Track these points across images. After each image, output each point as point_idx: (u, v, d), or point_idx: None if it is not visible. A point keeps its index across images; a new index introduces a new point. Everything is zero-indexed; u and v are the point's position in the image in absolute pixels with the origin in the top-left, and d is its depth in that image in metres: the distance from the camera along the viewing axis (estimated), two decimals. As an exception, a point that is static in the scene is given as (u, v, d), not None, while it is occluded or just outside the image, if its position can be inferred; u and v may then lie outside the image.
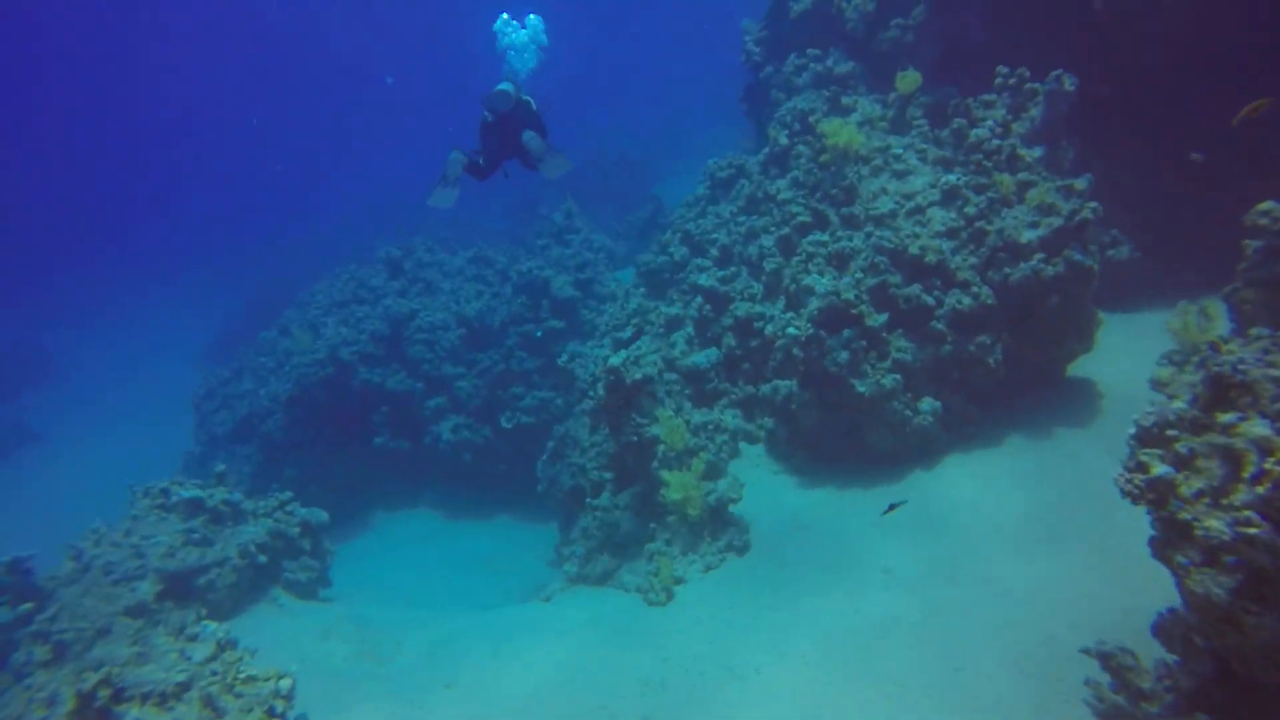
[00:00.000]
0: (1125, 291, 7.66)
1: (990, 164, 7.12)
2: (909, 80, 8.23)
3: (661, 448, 7.11)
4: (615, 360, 7.19)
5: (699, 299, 8.54)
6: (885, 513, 5.67)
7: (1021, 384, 6.85)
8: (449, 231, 22.19)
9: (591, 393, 7.66)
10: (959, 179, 7.14)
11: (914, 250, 7.03)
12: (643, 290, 9.87)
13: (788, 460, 7.67)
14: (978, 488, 6.12)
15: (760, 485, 7.22)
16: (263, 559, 7.38)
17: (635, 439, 7.30)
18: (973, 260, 6.80)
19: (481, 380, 12.96)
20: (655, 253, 10.84)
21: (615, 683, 5.09)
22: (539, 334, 12.57)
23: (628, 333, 9.12)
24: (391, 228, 21.57)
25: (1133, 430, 2.97)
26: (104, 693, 3.76)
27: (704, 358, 8.25)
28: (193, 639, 5.14)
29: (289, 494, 8.48)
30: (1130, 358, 6.65)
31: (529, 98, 7.66)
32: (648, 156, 28.14)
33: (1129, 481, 2.87)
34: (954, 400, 6.85)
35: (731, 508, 6.68)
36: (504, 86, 7.44)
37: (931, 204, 7.33)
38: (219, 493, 7.59)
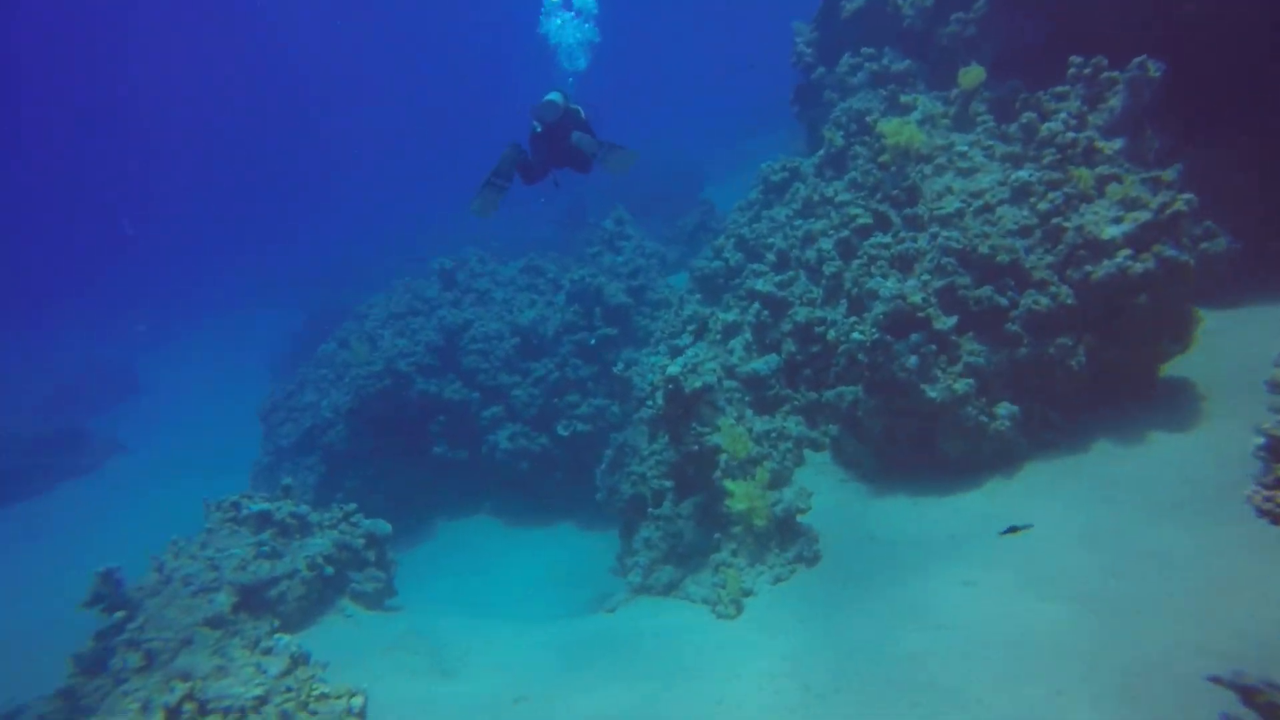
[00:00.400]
0: (1225, 286, 7.21)
1: (1064, 158, 6.81)
2: (973, 75, 7.95)
3: (724, 457, 6.98)
4: (674, 369, 7.10)
5: (756, 305, 8.39)
6: (1004, 534, 5.41)
7: (1109, 387, 6.51)
8: (499, 241, 22.43)
9: (650, 401, 7.58)
10: (1031, 175, 6.85)
11: (984, 250, 6.76)
12: (698, 296, 9.76)
13: (855, 468, 7.46)
14: (1063, 497, 5.83)
15: (827, 494, 7.04)
16: (330, 570, 7.48)
17: (696, 448, 7.19)
18: (1049, 259, 6.50)
19: (537, 389, 13.02)
20: (709, 258, 10.73)
21: (688, 703, 4.97)
22: (593, 341, 12.57)
23: (685, 339, 9.02)
24: (444, 240, 21.99)
25: (1261, 441, 2.74)
26: (189, 706, 3.82)
27: (764, 364, 8.10)
28: (267, 652, 5.22)
29: (353, 505, 8.60)
30: (1234, 358, 6.26)
31: (578, 106, 7.71)
32: (695, 161, 28.09)
33: (1269, 500, 2.64)
34: (1033, 405, 6.56)
35: (799, 518, 6.51)
36: (552, 96, 7.48)
37: (1001, 202, 7.04)
38: (286, 505, 7.74)
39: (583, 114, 7.78)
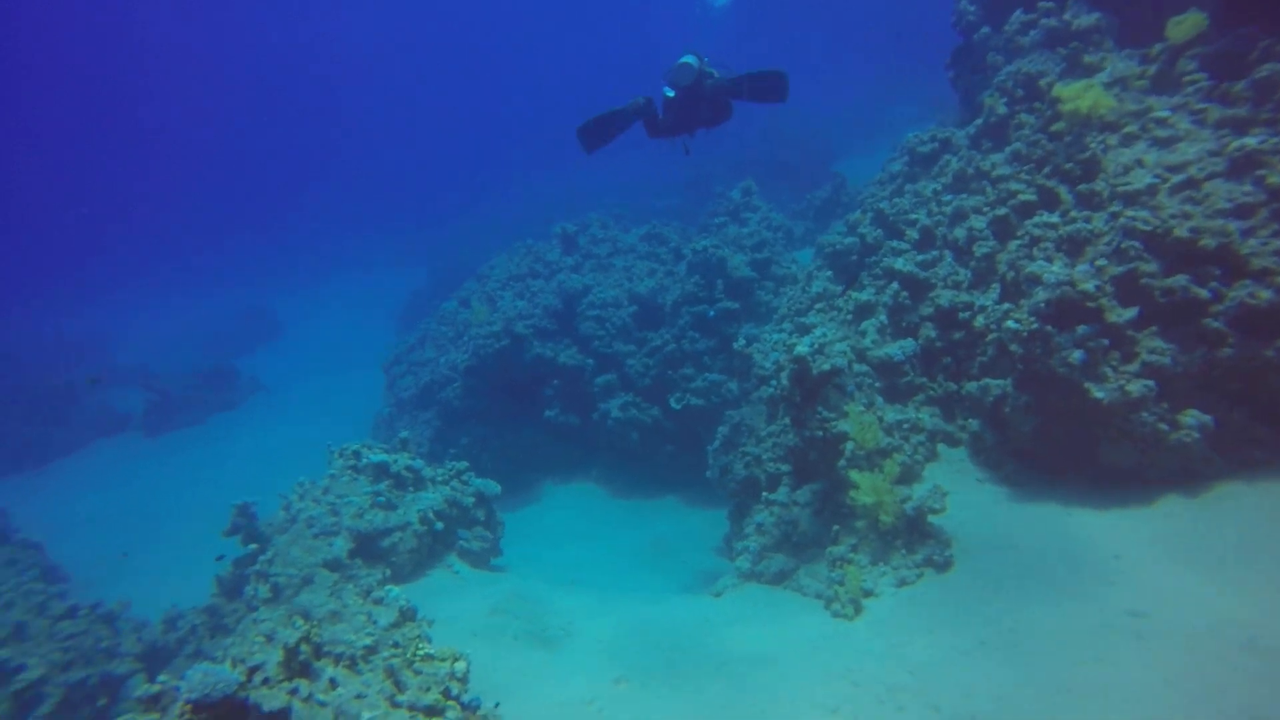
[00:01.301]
0: None
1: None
2: (1188, 24, 6.85)
3: (850, 445, 6.47)
4: (802, 348, 6.62)
5: (895, 285, 7.72)
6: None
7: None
8: (622, 208, 22.34)
9: (774, 381, 7.14)
10: (1263, 142, 5.82)
11: (1181, 233, 5.84)
12: (829, 274, 9.15)
13: (995, 469, 6.75)
14: (1276, 525, 4.95)
15: (963, 495, 6.39)
16: (440, 526, 7.57)
17: (820, 434, 6.71)
18: (1278, 244, 5.51)
19: (652, 359, 12.79)
20: (843, 233, 10.03)
21: (797, 706, 4.60)
22: (712, 314, 12.17)
23: (813, 317, 8.47)
24: (571, 205, 22.13)
25: None
26: (305, 648, 3.83)
27: (898, 349, 7.45)
28: (379, 602, 5.26)
29: (465, 463, 8.70)
30: None
31: (713, 70, 7.43)
32: (825, 133, 26.77)
33: None
34: (1234, 416, 5.64)
35: (931, 518, 5.93)
36: (687, 59, 7.24)
37: (1212, 175, 6.05)
38: (402, 458, 7.88)
39: (717, 76, 7.51)
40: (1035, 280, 6.10)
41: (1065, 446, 6.29)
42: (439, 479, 8.34)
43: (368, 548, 6.77)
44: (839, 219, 17.26)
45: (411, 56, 55.98)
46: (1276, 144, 5.90)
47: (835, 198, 17.48)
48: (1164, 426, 5.66)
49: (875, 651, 5.01)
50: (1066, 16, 8.31)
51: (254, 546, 6.64)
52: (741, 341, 9.13)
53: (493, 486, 8.70)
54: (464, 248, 26.12)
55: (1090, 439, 6.10)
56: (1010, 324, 6.08)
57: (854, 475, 6.16)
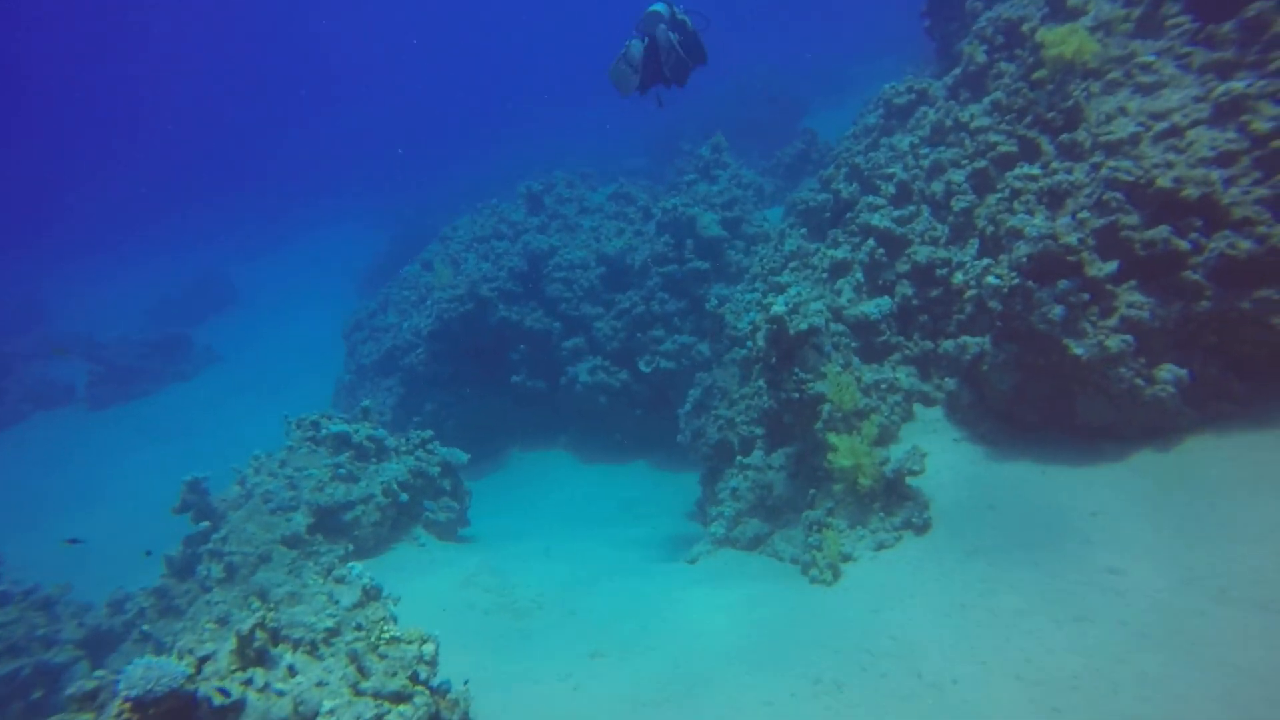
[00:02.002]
0: None
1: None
2: (1166, -33, 6.62)
3: (827, 407, 6.31)
4: (778, 308, 6.40)
5: (871, 241, 7.52)
6: None
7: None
8: (589, 168, 21.75)
9: (750, 343, 6.93)
10: (1249, 85, 5.66)
11: (1164, 183, 5.69)
12: (803, 231, 8.91)
13: (972, 427, 6.66)
14: (1244, 477, 4.92)
15: (940, 455, 6.29)
16: (405, 497, 7.30)
17: (797, 396, 6.54)
18: (1263, 192, 5.38)
19: (620, 322, 12.53)
20: (816, 189, 9.79)
21: (779, 676, 4.48)
22: (680, 274, 11.89)
23: (786, 276, 8.26)
24: (533, 165, 21.48)
25: None
26: (261, 634, 3.57)
27: (874, 307, 7.29)
28: (340, 580, 5.00)
29: (430, 432, 8.40)
30: None
31: (685, 17, 7.11)
32: (793, 89, 26.28)
33: None
34: (1208, 370, 5.57)
35: (910, 480, 5.82)
36: (656, 8, 6.95)
37: (1196, 123, 5.88)
38: (364, 428, 7.55)
39: (690, 25, 7.20)
40: (1016, 234, 5.93)
41: (1042, 404, 6.20)
42: (403, 449, 8.04)
43: (329, 522, 6.48)
44: (810, 176, 16.99)
45: (381, 17, 53.77)
46: (1263, 87, 5.74)
47: (806, 154, 17.20)
48: (1140, 382, 5.58)
49: (855, 618, 4.91)
50: (1046, -41, 8.03)
51: (206, 524, 6.30)
52: (714, 302, 8.89)
53: (459, 455, 8.43)
54: (428, 209, 25.38)
55: (1067, 395, 6.01)
56: (990, 279, 5.92)
57: (831, 438, 6.00)
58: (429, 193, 28.37)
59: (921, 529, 5.62)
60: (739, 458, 7.48)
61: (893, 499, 5.85)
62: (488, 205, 15.79)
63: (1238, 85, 5.81)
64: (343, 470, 6.81)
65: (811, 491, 6.47)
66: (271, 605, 4.00)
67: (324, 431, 7.23)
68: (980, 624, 4.51)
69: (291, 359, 19.35)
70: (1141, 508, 5.00)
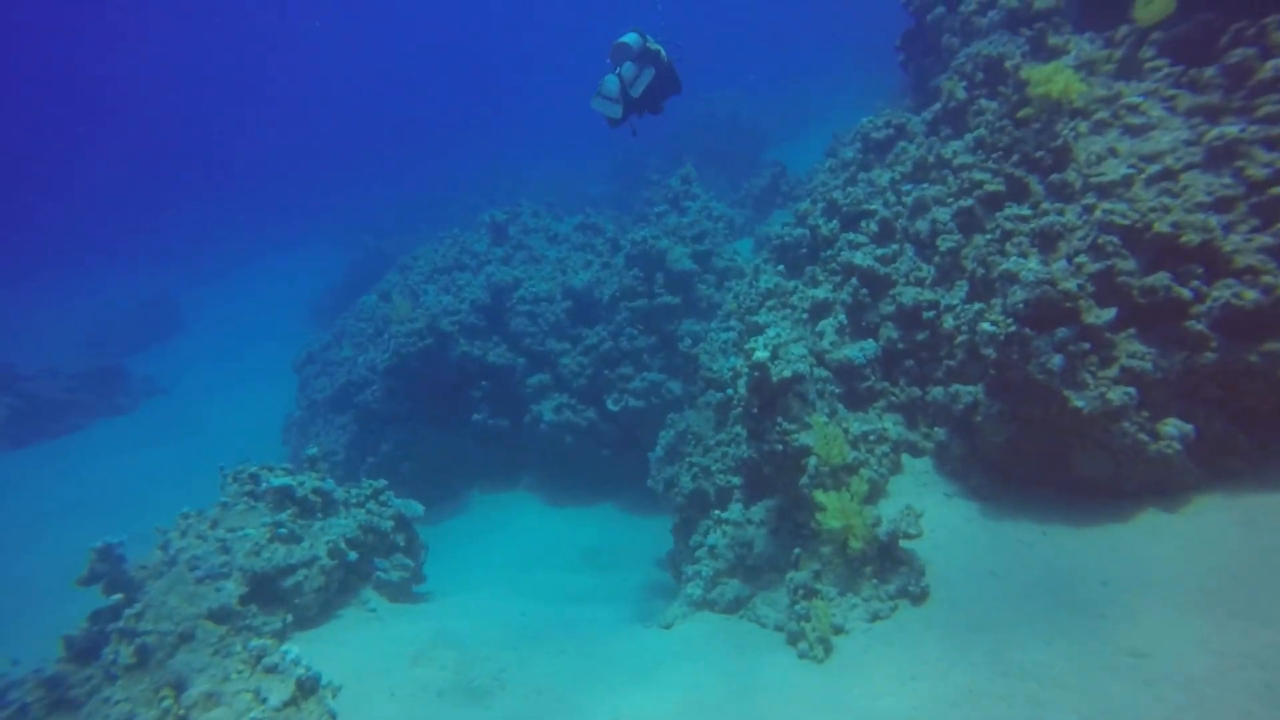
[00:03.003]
0: None
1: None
2: (1156, 6, 6.48)
3: (813, 461, 5.88)
4: (762, 354, 5.98)
5: (854, 281, 7.17)
6: None
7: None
8: (553, 195, 21.36)
9: (730, 390, 6.49)
10: (1243, 130, 5.46)
11: (1162, 228, 5.44)
12: (780, 267, 8.55)
13: (963, 480, 6.29)
14: (1266, 546, 4.59)
15: (933, 512, 5.89)
16: (353, 556, 6.65)
17: (781, 448, 6.10)
18: (1265, 240, 5.15)
19: (587, 358, 12.02)
20: (792, 224, 9.46)
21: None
22: (650, 308, 11.44)
23: (764, 316, 7.86)
24: (502, 189, 20.96)
25: None
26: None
27: (858, 351, 6.92)
28: (272, 670, 4.36)
29: (383, 482, 7.75)
30: None
31: (658, 46, 7.11)
32: (755, 119, 26.32)
33: None
34: (1212, 425, 5.29)
35: (904, 543, 5.40)
36: (627, 38, 6.99)
37: (1189, 166, 5.68)
38: (310, 480, 6.90)
39: (664, 55, 7.20)
40: (1011, 278, 5.61)
41: (1038, 457, 5.87)
42: (353, 501, 7.39)
43: (266, 590, 5.79)
44: (779, 208, 16.83)
45: (341, 37, 52.98)
46: (1256, 133, 5.56)
47: (774, 186, 17.04)
48: (1144, 437, 5.27)
49: (853, 704, 4.43)
50: (1025, -3, 7.91)
51: (119, 597, 5.56)
52: (687, 342, 8.46)
53: (414, 507, 7.79)
54: (387, 234, 24.65)
55: (1064, 449, 5.69)
56: (985, 326, 5.58)
57: (819, 496, 5.56)
58: (388, 217, 27.65)
59: (919, 598, 5.18)
60: (716, 511, 7.00)
61: (886, 563, 5.41)
62: (449, 234, 15.24)
63: (1231, 130, 5.63)
64: (284, 530, 6.14)
65: (796, 551, 6.00)
66: (182, 711, 3.37)
67: (264, 485, 6.55)
68: (995, 716, 4.05)
69: (240, 392, 18.34)
70: (1156, 578, 4.64)
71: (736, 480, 7.40)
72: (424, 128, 42.14)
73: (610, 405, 11.58)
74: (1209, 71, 6.24)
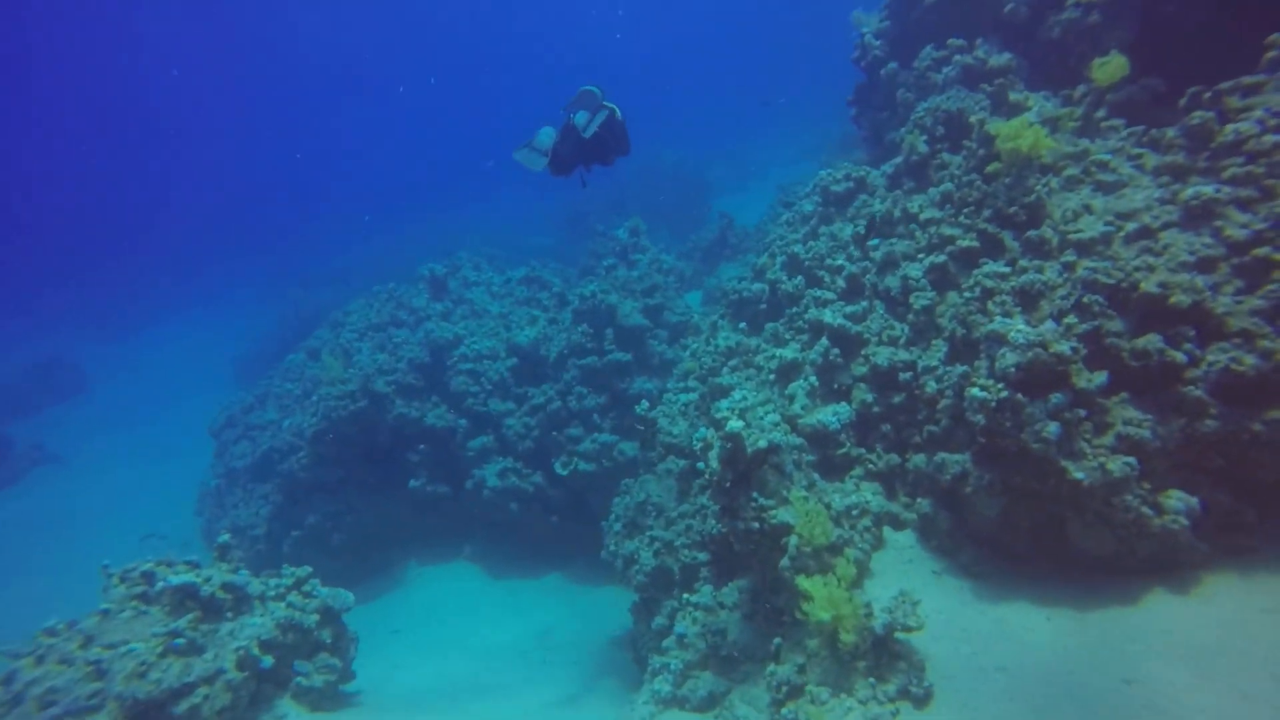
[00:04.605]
0: None
1: (1262, 169, 5.27)
2: (1112, 67, 6.44)
3: (794, 541, 5.32)
4: (735, 424, 5.44)
5: (824, 340, 6.76)
6: None
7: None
8: (494, 248, 20.81)
9: (701, 464, 5.92)
10: (1218, 191, 5.30)
11: (1149, 288, 5.20)
12: (742, 325, 8.13)
13: (952, 556, 5.82)
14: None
15: (923, 594, 5.35)
16: (268, 662, 5.72)
17: (757, 525, 5.53)
18: (1257, 303, 4.93)
19: (534, 418, 11.32)
20: (748, 279, 9.10)
21: None
22: (600, 365, 10.86)
23: (727, 378, 7.37)
24: (435, 246, 20.25)
25: None
26: None
27: (833, 416, 6.46)
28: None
29: (307, 570, 6.83)
30: None
31: (614, 105, 7.14)
32: (699, 171, 26.57)
33: None
34: (1216, 497, 4.96)
35: (900, 635, 4.85)
36: (590, 88, 6.98)
37: (1167, 225, 5.49)
38: (218, 574, 5.96)
39: (619, 114, 7.15)
40: (998, 340, 5.25)
41: (1031, 531, 5.45)
42: (271, 593, 6.46)
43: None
44: (728, 260, 16.63)
45: (268, 87, 51.83)
46: (1230, 194, 5.42)
47: (723, 238, 16.87)
48: (1148, 511, 4.91)
49: (864, 841, 3.78)
50: (979, 54, 7.86)
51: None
52: (644, 405, 7.89)
53: (344, 597, 6.89)
54: (317, 289, 23.53)
55: (1059, 522, 5.29)
56: (975, 392, 5.18)
57: (803, 583, 4.99)
58: (318, 269, 26.51)
59: (922, 701, 4.61)
60: (684, 595, 6.35)
61: (882, 658, 4.84)
62: (384, 288, 14.44)
63: (1207, 190, 5.48)
64: (181, 640, 5.19)
65: (776, 641, 5.39)
66: None
67: (160, 585, 5.59)
68: None
69: (148, 459, 16.79)
70: (1185, 677, 4.19)
71: (703, 556, 6.78)
72: (360, 179, 41.24)
73: (558, 469, 10.86)
74: (1170, 132, 6.15)
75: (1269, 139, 5.27)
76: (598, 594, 10.63)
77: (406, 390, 11.73)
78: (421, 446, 11.63)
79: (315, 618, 6.46)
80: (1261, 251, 5.04)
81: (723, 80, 38.50)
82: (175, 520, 13.15)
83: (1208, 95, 6.02)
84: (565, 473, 10.78)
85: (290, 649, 6.15)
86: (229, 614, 5.89)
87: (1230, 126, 5.51)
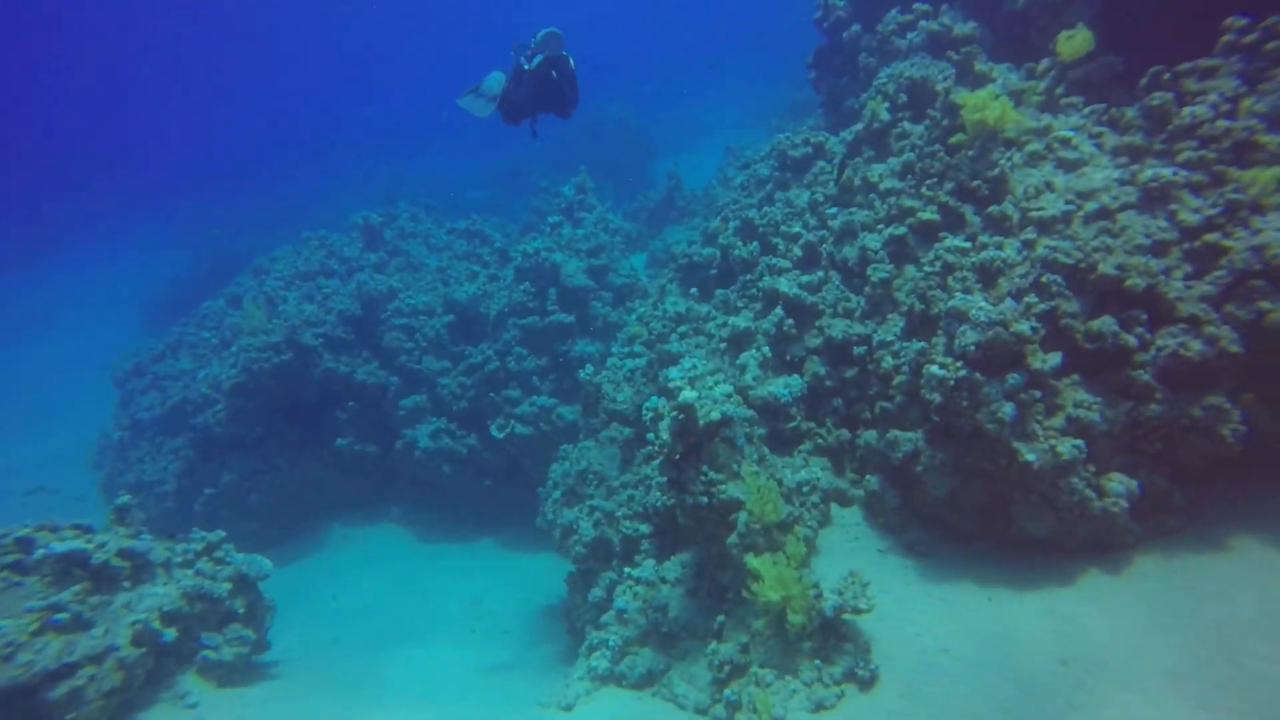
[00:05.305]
0: None
1: (1214, 154, 5.23)
2: (1078, 40, 6.31)
3: (744, 517, 5.13)
4: (689, 394, 5.18)
5: (778, 310, 6.55)
6: None
7: (1260, 466, 5.00)
8: (430, 198, 19.89)
9: (651, 435, 5.65)
10: (1175, 174, 5.24)
11: (1107, 269, 5.13)
12: (694, 291, 7.85)
13: (897, 534, 5.77)
14: (1221, 618, 4.25)
15: (869, 574, 5.24)
16: (170, 635, 5.27)
17: (706, 500, 5.32)
18: (1205, 289, 4.91)
19: (470, 378, 10.87)
20: (700, 243, 8.83)
21: None
22: (541, 325, 10.45)
23: (676, 344, 7.10)
24: (373, 188, 19.19)
25: None
26: None
27: (784, 388, 6.28)
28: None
29: (220, 534, 6.33)
30: None
31: (568, 54, 6.90)
32: (642, 129, 25.90)
33: None
34: (1154, 480, 4.99)
35: (849, 617, 4.73)
36: (554, 30, 6.73)
37: (1125, 207, 5.43)
38: (115, 539, 5.42)
39: (572, 63, 6.89)
40: (959, 317, 5.12)
41: (976, 510, 5.42)
42: (178, 559, 5.95)
43: (19, 707, 4.33)
44: (675, 223, 16.28)
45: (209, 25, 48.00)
46: (1186, 178, 5.38)
47: (669, 200, 16.49)
48: (1091, 494, 4.90)
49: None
50: (945, 21, 7.65)
51: None
52: (588, 369, 7.57)
53: (260, 564, 6.42)
54: (243, 231, 22.12)
55: (1004, 502, 5.26)
56: (934, 369, 5.05)
57: (752, 562, 4.82)
58: (246, 212, 24.94)
59: (868, 683, 4.52)
60: (625, 568, 6.13)
61: (829, 640, 4.73)
62: (315, 235, 13.60)
63: (1165, 172, 5.42)
64: (63, 616, 4.68)
65: (719, 619, 5.24)
66: None
67: (38, 553, 5.01)
68: (975, 843, 3.41)
69: (38, 407, 15.53)
70: (1116, 658, 4.20)
71: (645, 528, 6.57)
72: (294, 122, 38.89)
73: (494, 432, 10.47)
74: (1130, 112, 6.09)
75: (1221, 124, 5.24)
76: (530, 561, 10.37)
77: (335, 344, 11.08)
78: (350, 404, 11.05)
79: (227, 586, 6.00)
80: (1212, 237, 5.02)
81: (674, 37, 37.64)
82: (69, 474, 12.19)
83: (1167, 76, 5.96)
84: (501, 436, 10.40)
85: (197, 620, 5.69)
86: (126, 584, 5.37)
87: (1187, 109, 5.46)
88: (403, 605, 9.08)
